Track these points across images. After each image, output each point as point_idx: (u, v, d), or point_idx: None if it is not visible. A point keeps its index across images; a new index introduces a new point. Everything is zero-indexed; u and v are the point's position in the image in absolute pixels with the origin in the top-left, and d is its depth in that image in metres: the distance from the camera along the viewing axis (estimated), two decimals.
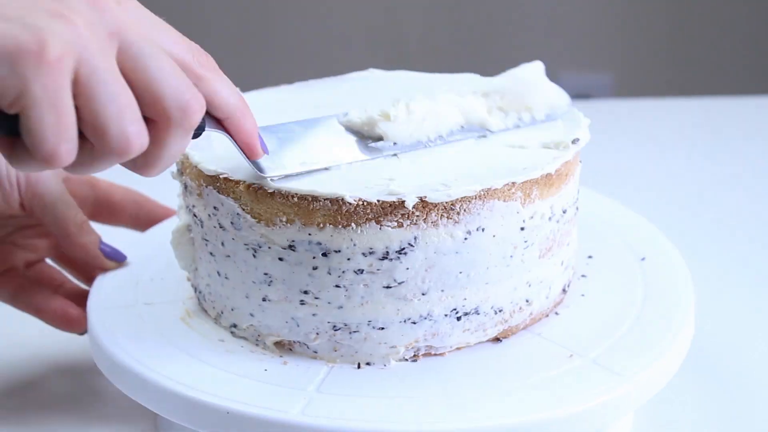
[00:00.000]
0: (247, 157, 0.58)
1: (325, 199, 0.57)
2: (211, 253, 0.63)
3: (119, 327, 0.65)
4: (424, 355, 0.62)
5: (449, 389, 0.59)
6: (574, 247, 0.67)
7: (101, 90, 0.49)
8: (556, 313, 0.66)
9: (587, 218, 0.74)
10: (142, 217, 0.75)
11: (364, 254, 0.58)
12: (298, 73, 0.71)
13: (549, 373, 0.59)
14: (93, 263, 0.71)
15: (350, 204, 0.57)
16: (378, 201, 0.57)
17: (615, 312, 0.65)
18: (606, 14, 2.41)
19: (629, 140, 1.23)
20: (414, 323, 0.60)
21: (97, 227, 0.73)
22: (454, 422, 0.55)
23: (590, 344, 0.62)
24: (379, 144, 0.63)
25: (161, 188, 0.74)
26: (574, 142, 0.63)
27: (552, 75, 0.71)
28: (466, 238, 0.59)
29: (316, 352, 0.61)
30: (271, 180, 0.59)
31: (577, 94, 2.33)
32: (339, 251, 0.58)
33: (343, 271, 0.59)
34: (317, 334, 0.61)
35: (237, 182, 0.59)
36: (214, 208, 0.61)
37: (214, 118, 0.55)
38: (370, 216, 0.57)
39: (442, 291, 0.60)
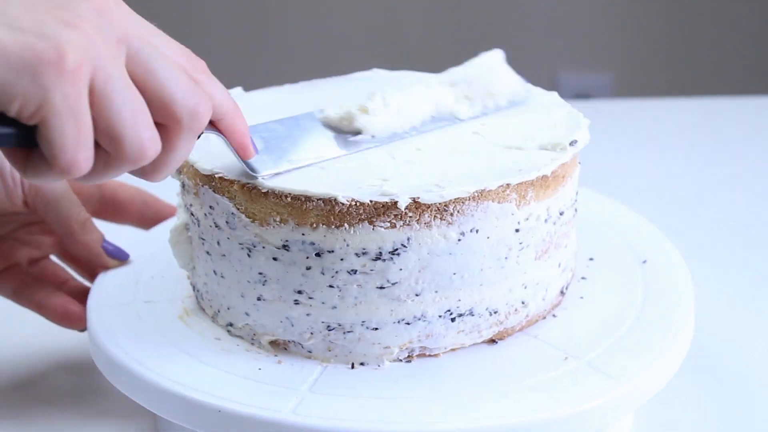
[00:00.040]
0: (240, 157, 0.58)
1: (318, 199, 0.57)
2: (207, 252, 0.63)
3: (117, 324, 0.65)
4: (419, 355, 0.61)
5: (443, 390, 0.59)
6: (572, 249, 0.67)
7: (116, 98, 0.49)
8: (554, 316, 0.66)
9: (587, 218, 0.74)
10: (148, 215, 0.75)
11: (357, 255, 0.58)
12: (298, 73, 0.71)
13: (544, 376, 0.59)
14: (95, 261, 0.71)
15: (343, 204, 0.57)
16: (371, 201, 0.57)
17: (613, 314, 0.65)
18: (606, 14, 2.41)
19: (629, 140, 1.23)
20: (408, 324, 0.60)
21: (102, 224, 0.73)
22: (447, 423, 0.55)
23: (586, 347, 0.61)
24: (358, 138, 0.63)
25: (164, 187, 0.75)
26: (571, 143, 0.63)
27: (552, 75, 0.71)
28: (459, 240, 0.58)
29: (310, 351, 0.61)
30: (263, 179, 0.59)
31: (577, 94, 2.34)
32: (332, 251, 0.58)
33: (337, 272, 0.59)
34: (311, 333, 0.61)
35: (232, 182, 0.60)
36: (210, 207, 0.61)
37: (209, 121, 0.55)
38: (362, 216, 0.57)
39: (436, 292, 0.60)
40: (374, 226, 0.57)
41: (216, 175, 0.60)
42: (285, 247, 0.59)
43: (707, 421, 0.69)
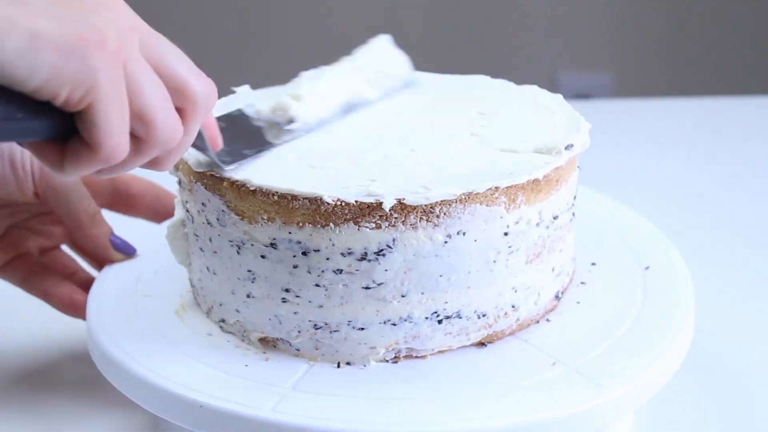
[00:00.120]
0: (213, 149, 0.59)
1: (303, 198, 0.57)
2: (201, 249, 0.64)
3: (113, 316, 0.66)
4: (405, 357, 0.61)
5: (427, 392, 0.58)
6: (568, 254, 0.66)
7: (146, 81, 0.50)
8: (548, 320, 0.65)
9: (587, 218, 0.73)
10: (159, 209, 0.76)
11: (342, 254, 0.58)
12: (298, 72, 0.71)
13: (530, 380, 0.59)
14: (102, 255, 0.72)
15: (328, 204, 0.57)
16: (356, 202, 0.57)
17: (608, 320, 0.64)
18: (606, 14, 2.41)
19: (629, 140, 1.22)
20: (394, 325, 0.60)
21: (112, 215, 0.74)
22: (425, 425, 0.55)
23: (576, 353, 0.61)
24: (293, 126, 0.64)
25: (174, 181, 0.75)
26: (567, 147, 0.62)
27: (552, 75, 0.71)
28: (446, 242, 0.58)
29: (298, 349, 0.62)
30: (228, 169, 0.60)
31: (577, 94, 2.34)
32: (318, 251, 0.58)
33: (323, 271, 0.59)
34: (299, 332, 0.61)
35: (222, 179, 0.60)
36: (203, 204, 0.62)
37: None
38: (348, 216, 0.57)
39: (422, 294, 0.59)
40: (359, 226, 0.57)
41: (208, 173, 0.61)
42: (273, 245, 0.59)
43: (707, 421, 0.69)
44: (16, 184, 0.69)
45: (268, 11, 2.37)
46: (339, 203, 0.57)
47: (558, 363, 0.60)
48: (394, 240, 0.58)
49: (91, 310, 0.67)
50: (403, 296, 0.59)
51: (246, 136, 0.63)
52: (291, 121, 0.64)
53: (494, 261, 0.60)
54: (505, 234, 0.60)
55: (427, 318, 0.60)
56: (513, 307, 0.62)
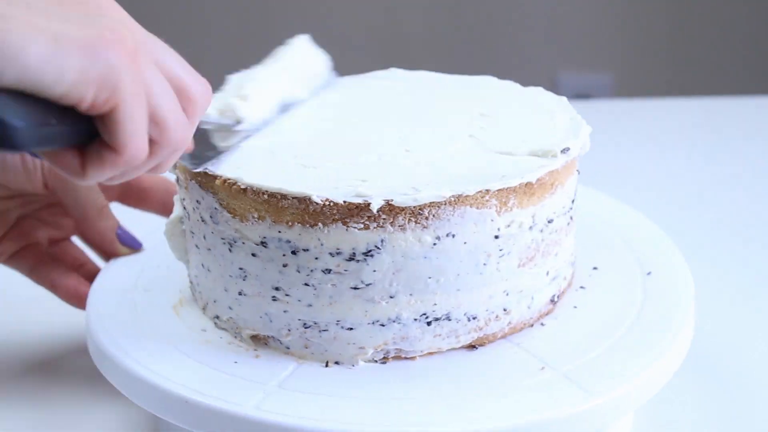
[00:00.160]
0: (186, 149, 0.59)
1: (293, 198, 0.57)
2: (196, 246, 0.64)
3: (111, 310, 0.66)
4: (394, 357, 0.61)
5: (413, 393, 0.58)
6: (565, 258, 0.66)
7: (157, 83, 0.50)
8: (542, 324, 0.64)
9: (588, 218, 0.73)
10: (169, 204, 0.76)
11: (331, 254, 0.58)
12: None
13: (517, 384, 0.58)
14: (109, 248, 0.72)
15: (317, 204, 0.57)
16: (344, 202, 0.57)
17: (603, 326, 0.63)
18: (606, 14, 2.41)
19: (629, 140, 1.22)
20: (382, 325, 0.60)
21: (118, 209, 0.74)
22: (404, 426, 0.55)
23: (567, 358, 0.60)
24: (241, 127, 0.63)
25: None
26: (563, 151, 0.62)
27: (552, 75, 0.71)
28: (435, 244, 0.58)
29: (288, 348, 0.62)
30: (205, 169, 0.60)
31: (577, 94, 2.34)
32: (307, 250, 0.58)
33: (312, 270, 0.59)
34: (289, 330, 0.61)
35: (215, 177, 0.60)
36: (197, 201, 0.62)
37: None
38: (336, 216, 0.57)
39: (411, 295, 0.59)
40: (348, 226, 0.57)
41: (202, 171, 0.61)
42: (263, 243, 0.59)
43: (707, 421, 0.69)
44: (26, 175, 0.69)
45: (267, 11, 2.37)
46: (327, 203, 0.57)
47: (547, 367, 0.60)
48: (382, 241, 0.58)
49: (92, 302, 0.67)
50: (391, 297, 0.59)
51: (198, 140, 0.62)
52: (239, 122, 0.63)
53: (484, 264, 0.60)
54: (496, 237, 0.59)
55: (416, 319, 0.60)
56: (505, 310, 0.62)
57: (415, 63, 0.74)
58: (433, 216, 0.57)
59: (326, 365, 0.61)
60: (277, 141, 0.64)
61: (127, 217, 0.74)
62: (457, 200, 0.58)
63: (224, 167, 0.61)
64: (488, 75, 0.75)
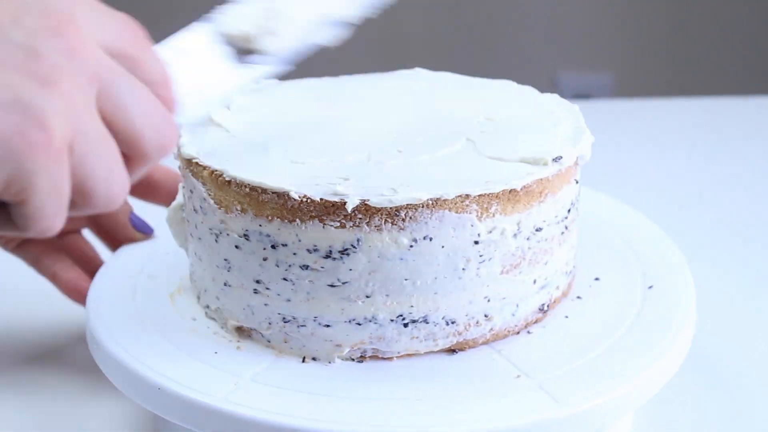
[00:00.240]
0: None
1: (272, 192, 0.58)
2: (191, 234, 0.65)
3: (108, 294, 0.67)
4: (371, 357, 0.61)
5: (384, 393, 0.58)
6: (557, 267, 0.65)
7: (90, 156, 0.47)
8: (528, 332, 0.64)
9: (588, 219, 0.73)
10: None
11: (308, 251, 0.58)
12: (297, 72, 0.71)
13: (489, 392, 0.58)
14: (122, 233, 0.73)
15: (295, 200, 0.57)
16: (321, 199, 0.57)
17: (592, 336, 0.63)
18: (606, 14, 2.40)
19: (629, 140, 1.22)
20: (359, 324, 0.60)
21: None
22: (366, 425, 0.55)
23: (545, 367, 0.60)
24: (256, 58, 0.60)
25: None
26: (555, 160, 0.61)
27: (552, 75, 0.71)
28: (411, 246, 0.58)
29: (269, 341, 0.62)
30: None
31: (577, 94, 2.34)
32: (286, 245, 0.59)
33: (290, 265, 0.59)
34: (269, 323, 0.62)
35: (204, 167, 0.61)
36: (190, 191, 0.63)
37: None
38: (313, 213, 0.58)
39: (387, 296, 0.59)
40: (325, 224, 0.58)
41: (193, 160, 0.62)
42: (245, 236, 0.60)
43: (707, 421, 0.69)
44: None
45: None
46: (305, 200, 0.57)
47: (522, 376, 0.59)
48: (358, 240, 0.58)
49: (95, 284, 0.68)
50: (367, 297, 0.59)
51: (195, 73, 0.58)
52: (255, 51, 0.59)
53: (463, 269, 0.59)
54: (476, 242, 0.59)
55: (392, 320, 0.60)
56: (486, 316, 0.62)
57: (415, 63, 0.74)
58: (410, 218, 0.57)
59: (303, 360, 0.61)
60: (272, 135, 0.65)
61: (137, 204, 0.75)
62: (435, 203, 0.57)
63: (213, 159, 0.61)
64: (489, 75, 0.75)
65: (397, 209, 0.57)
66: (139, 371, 0.59)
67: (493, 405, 0.57)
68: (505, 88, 0.73)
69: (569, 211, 0.64)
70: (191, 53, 0.58)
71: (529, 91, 0.72)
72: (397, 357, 0.61)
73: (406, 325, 0.60)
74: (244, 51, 0.60)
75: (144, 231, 0.73)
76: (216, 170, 0.60)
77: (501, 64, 2.30)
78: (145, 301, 0.67)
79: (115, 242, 0.75)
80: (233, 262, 0.61)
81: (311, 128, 0.66)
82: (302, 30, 0.60)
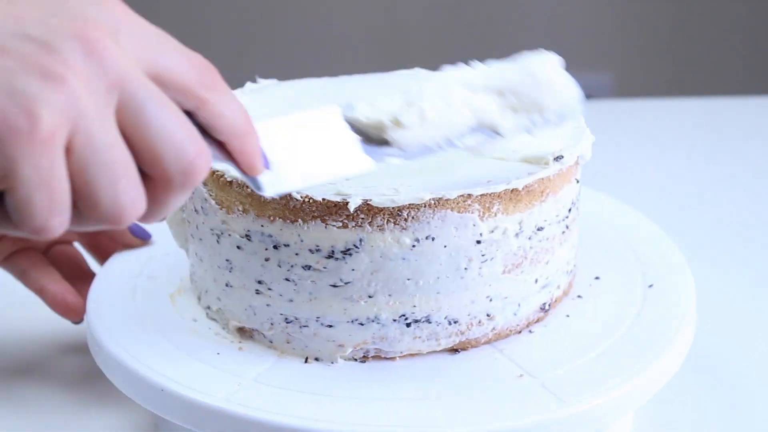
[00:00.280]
0: (246, 175, 0.52)
1: None
2: (192, 235, 0.65)
3: (108, 295, 0.67)
4: (374, 357, 0.61)
5: (384, 393, 0.58)
6: (558, 266, 0.65)
7: (94, 160, 0.45)
8: (530, 331, 0.64)
9: (588, 219, 0.73)
10: None
11: (311, 251, 0.58)
12: (297, 72, 0.71)
13: (494, 391, 0.58)
14: (120, 239, 0.73)
15: (297, 200, 0.57)
16: (323, 199, 0.57)
17: (593, 334, 0.63)
18: (606, 14, 2.41)
19: (629, 140, 1.22)
20: (361, 324, 0.60)
21: None
22: (368, 425, 0.55)
23: (548, 366, 0.60)
24: (386, 149, 0.55)
25: None
26: (556, 159, 0.61)
27: None
28: (414, 246, 0.58)
29: (271, 341, 0.62)
30: (268, 197, 0.55)
31: None
32: (288, 245, 0.59)
33: (292, 266, 0.59)
34: (271, 324, 0.61)
35: None
36: (191, 191, 0.62)
37: (214, 140, 0.49)
38: (315, 214, 0.58)
39: (390, 296, 0.59)
40: (327, 224, 0.58)
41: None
42: (247, 236, 0.60)
43: (707, 421, 0.69)
44: None
45: (268, 10, 2.37)
46: (307, 200, 0.57)
47: (525, 375, 0.59)
48: (360, 240, 0.58)
49: (96, 285, 0.68)
50: (370, 297, 0.59)
51: (321, 149, 0.54)
52: (385, 142, 0.55)
53: (466, 268, 0.59)
54: (478, 242, 0.59)
55: (395, 320, 0.60)
56: (488, 315, 0.62)
57: (415, 63, 0.74)
58: (412, 218, 0.57)
59: (306, 361, 0.61)
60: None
61: None
62: (438, 203, 0.57)
63: None
64: None
65: (400, 209, 0.57)
66: (140, 372, 0.59)
67: (496, 404, 0.57)
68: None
69: (570, 210, 0.64)
70: (313, 128, 0.54)
71: None
72: (399, 357, 0.61)
73: (408, 325, 0.60)
74: (370, 140, 0.55)
75: (142, 237, 0.73)
76: (217, 171, 0.60)
77: None
78: (145, 302, 0.67)
79: (104, 254, 0.74)
80: (235, 262, 0.61)
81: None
82: (439, 130, 0.56)
